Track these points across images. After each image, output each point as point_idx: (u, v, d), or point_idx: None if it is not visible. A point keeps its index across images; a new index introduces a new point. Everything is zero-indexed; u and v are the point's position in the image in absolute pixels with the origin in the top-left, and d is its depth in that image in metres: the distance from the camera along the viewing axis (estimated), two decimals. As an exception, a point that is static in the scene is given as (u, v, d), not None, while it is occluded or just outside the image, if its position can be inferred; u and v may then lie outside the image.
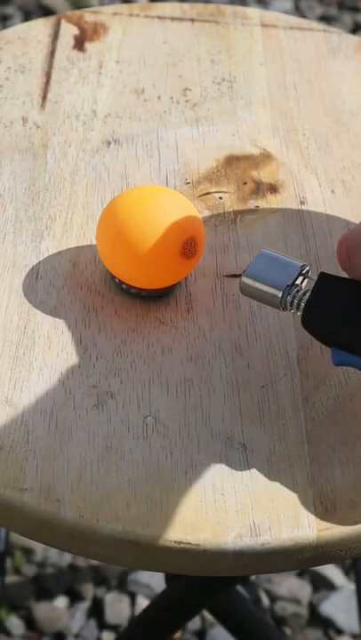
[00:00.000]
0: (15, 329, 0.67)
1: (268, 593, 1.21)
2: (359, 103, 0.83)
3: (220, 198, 0.75)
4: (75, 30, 0.86)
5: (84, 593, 1.20)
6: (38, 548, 1.22)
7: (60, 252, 0.71)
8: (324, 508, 0.60)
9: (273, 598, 1.21)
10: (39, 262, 0.71)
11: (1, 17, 1.90)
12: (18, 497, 0.59)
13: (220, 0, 1.88)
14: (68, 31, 0.86)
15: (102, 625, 1.18)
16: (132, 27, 0.87)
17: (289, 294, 0.63)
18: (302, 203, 0.76)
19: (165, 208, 0.67)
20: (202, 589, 0.85)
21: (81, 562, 1.22)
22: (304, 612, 1.20)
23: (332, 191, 0.77)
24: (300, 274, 0.64)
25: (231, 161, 0.78)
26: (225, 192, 0.76)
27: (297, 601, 1.21)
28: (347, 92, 0.84)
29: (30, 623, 1.18)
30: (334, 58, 0.87)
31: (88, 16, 0.87)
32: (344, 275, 0.63)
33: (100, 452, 0.61)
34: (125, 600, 1.20)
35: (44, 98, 0.81)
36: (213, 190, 0.76)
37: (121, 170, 0.77)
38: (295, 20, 0.90)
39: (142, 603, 1.19)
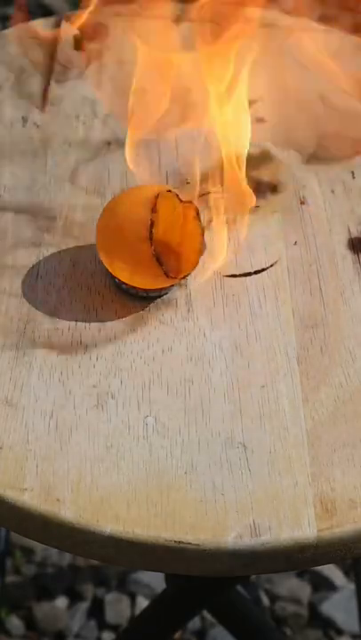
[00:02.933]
0: (15, 329, 0.67)
1: (268, 593, 1.21)
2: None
3: (221, 198, 0.75)
4: (75, 30, 0.86)
5: (84, 593, 1.20)
6: (38, 547, 1.22)
7: (60, 252, 0.71)
8: (324, 508, 0.60)
9: (273, 598, 1.21)
10: (39, 262, 0.71)
11: (1, 17, 1.90)
12: (18, 497, 0.59)
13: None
14: (68, 31, 0.86)
15: (102, 625, 1.18)
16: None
17: None
18: (302, 203, 0.76)
19: (165, 208, 0.67)
20: (202, 589, 0.85)
21: (81, 562, 1.22)
22: (304, 611, 1.20)
23: (332, 191, 0.77)
24: None
25: (231, 161, 0.78)
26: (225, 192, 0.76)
27: (297, 601, 1.21)
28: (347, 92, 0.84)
29: (30, 623, 1.18)
30: (334, 58, 0.86)
31: (88, 16, 0.87)
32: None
33: (100, 452, 0.61)
34: (125, 600, 1.20)
35: (44, 98, 0.81)
36: (214, 190, 0.76)
37: (121, 170, 0.77)
38: (295, 20, 0.90)
39: (142, 603, 1.19)
